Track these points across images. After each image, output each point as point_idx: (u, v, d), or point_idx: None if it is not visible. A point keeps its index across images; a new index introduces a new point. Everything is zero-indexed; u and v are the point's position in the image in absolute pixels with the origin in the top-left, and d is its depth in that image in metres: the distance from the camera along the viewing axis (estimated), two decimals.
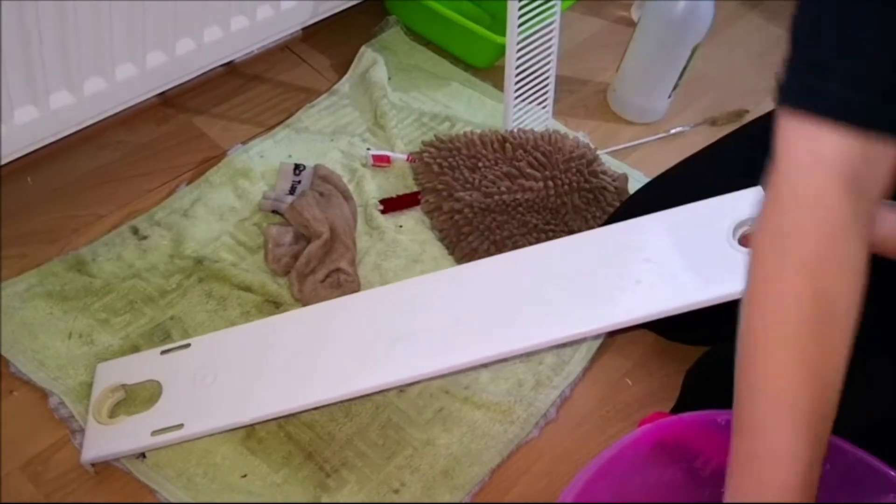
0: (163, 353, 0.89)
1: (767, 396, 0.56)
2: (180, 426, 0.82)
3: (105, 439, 0.83)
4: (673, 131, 1.32)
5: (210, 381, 0.85)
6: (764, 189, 0.73)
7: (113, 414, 0.87)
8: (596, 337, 1.01)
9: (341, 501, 0.84)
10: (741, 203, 0.80)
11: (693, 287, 0.76)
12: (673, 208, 0.83)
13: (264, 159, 1.14)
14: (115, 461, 0.84)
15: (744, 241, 0.79)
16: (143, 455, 0.85)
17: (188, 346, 0.89)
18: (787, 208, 0.57)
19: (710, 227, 0.79)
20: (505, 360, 0.96)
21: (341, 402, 0.89)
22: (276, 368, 0.85)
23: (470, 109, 1.27)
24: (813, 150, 0.55)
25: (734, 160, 0.97)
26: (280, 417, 0.87)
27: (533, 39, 1.15)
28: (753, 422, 0.57)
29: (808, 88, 0.56)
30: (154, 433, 0.82)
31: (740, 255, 0.76)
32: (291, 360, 0.85)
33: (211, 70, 1.20)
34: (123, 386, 0.88)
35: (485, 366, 0.95)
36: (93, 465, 0.83)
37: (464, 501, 0.86)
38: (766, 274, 0.58)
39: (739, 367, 0.58)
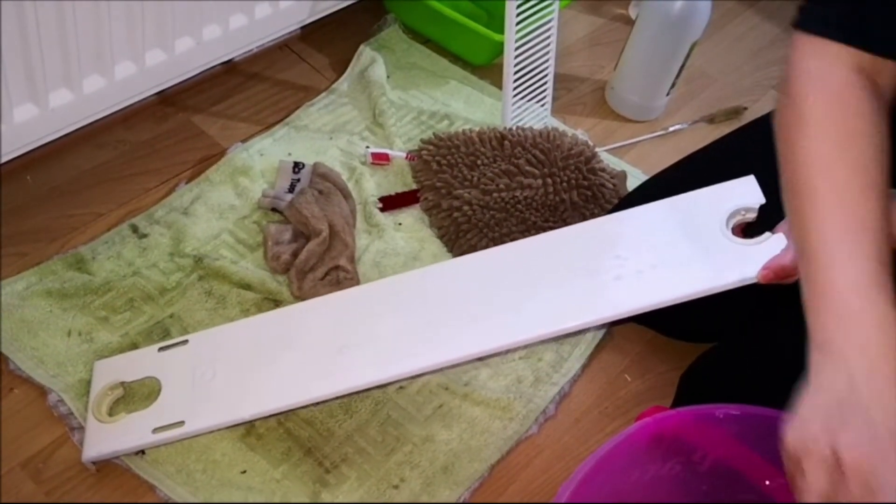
0: (161, 349, 0.90)
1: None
2: (181, 423, 0.83)
3: (106, 438, 0.84)
4: (671, 129, 1.32)
5: (209, 378, 0.85)
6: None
7: (112, 411, 0.87)
8: (587, 330, 1.01)
9: (341, 497, 0.85)
10: (734, 192, 0.79)
11: (687, 278, 0.76)
12: (665, 198, 0.83)
13: (264, 157, 1.14)
14: (115, 458, 0.84)
15: (736, 230, 0.78)
16: (142, 451, 0.85)
17: (186, 342, 0.90)
18: (812, 90, 0.63)
19: (703, 216, 0.79)
20: (498, 354, 0.96)
21: (343, 397, 0.89)
22: (276, 364, 0.85)
23: (468, 107, 1.27)
24: (829, 54, 0.63)
25: (733, 158, 0.98)
26: (281, 413, 0.88)
27: (531, 37, 1.15)
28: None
29: (820, 17, 0.64)
30: (155, 430, 0.83)
31: (733, 246, 0.76)
32: (292, 355, 0.85)
33: (210, 68, 1.20)
34: (122, 383, 0.88)
35: (481, 359, 0.96)
36: (94, 463, 0.83)
37: (463, 497, 0.87)
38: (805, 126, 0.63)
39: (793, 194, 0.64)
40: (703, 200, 0.80)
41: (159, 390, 0.86)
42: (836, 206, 0.60)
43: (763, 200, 0.76)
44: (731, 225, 0.77)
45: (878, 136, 0.62)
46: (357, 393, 0.91)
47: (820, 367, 0.57)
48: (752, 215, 0.77)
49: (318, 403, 0.89)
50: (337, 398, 0.89)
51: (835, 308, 0.58)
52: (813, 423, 0.55)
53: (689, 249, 0.77)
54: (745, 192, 0.78)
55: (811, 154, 0.62)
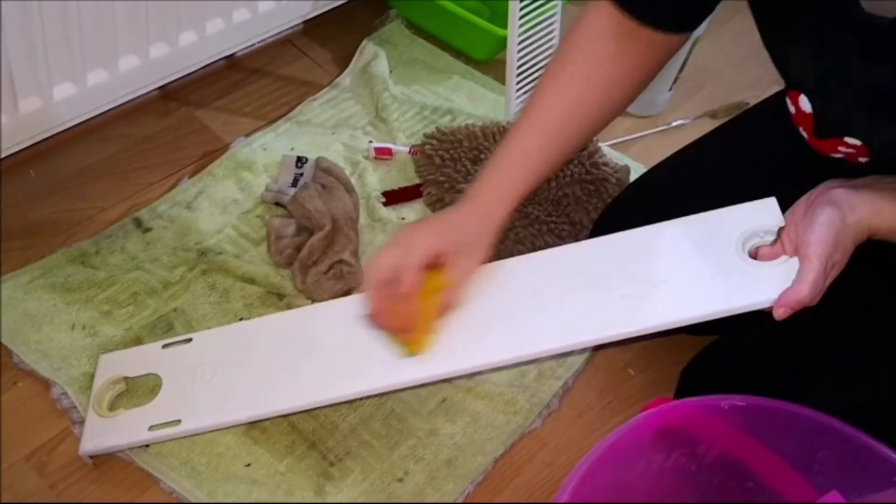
0: (164, 346, 0.89)
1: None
2: (178, 422, 0.82)
3: (103, 432, 0.84)
4: (674, 124, 1.32)
5: (209, 378, 0.85)
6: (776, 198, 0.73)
7: (113, 406, 0.87)
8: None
9: (345, 490, 0.85)
10: (753, 213, 0.76)
11: (698, 300, 0.73)
12: (681, 218, 0.80)
13: (267, 152, 1.14)
14: (119, 451, 0.84)
15: (753, 253, 0.75)
16: (146, 444, 0.85)
17: (189, 340, 0.90)
18: (573, 30, 0.79)
19: (720, 237, 0.76)
20: (503, 368, 0.95)
21: (339, 403, 0.89)
22: (276, 366, 0.84)
23: (471, 102, 1.27)
24: (600, 9, 0.78)
25: (731, 149, 0.98)
26: (278, 417, 0.88)
27: (534, 32, 1.15)
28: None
29: None
30: (151, 428, 0.83)
31: (750, 268, 0.73)
32: (293, 358, 0.85)
33: (212, 63, 1.20)
34: (125, 378, 0.88)
35: (480, 373, 0.95)
36: (91, 457, 0.83)
37: (467, 490, 0.87)
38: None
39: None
40: (721, 220, 0.77)
41: (160, 387, 0.86)
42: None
43: (783, 223, 0.73)
44: (748, 247, 0.75)
45: (596, 79, 0.78)
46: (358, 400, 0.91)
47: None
48: (770, 237, 0.73)
49: (315, 409, 0.89)
50: (336, 404, 0.89)
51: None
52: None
53: (702, 270, 0.75)
54: (764, 214, 0.75)
55: (544, 74, 0.80)
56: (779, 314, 0.69)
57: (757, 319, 0.86)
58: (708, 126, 1.31)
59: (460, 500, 0.86)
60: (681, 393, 0.93)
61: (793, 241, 0.70)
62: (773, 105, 0.90)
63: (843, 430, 0.68)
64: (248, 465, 0.85)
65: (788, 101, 0.81)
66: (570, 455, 0.92)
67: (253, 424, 0.88)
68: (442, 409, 0.92)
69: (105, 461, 0.84)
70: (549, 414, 0.94)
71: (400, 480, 0.86)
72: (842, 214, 0.67)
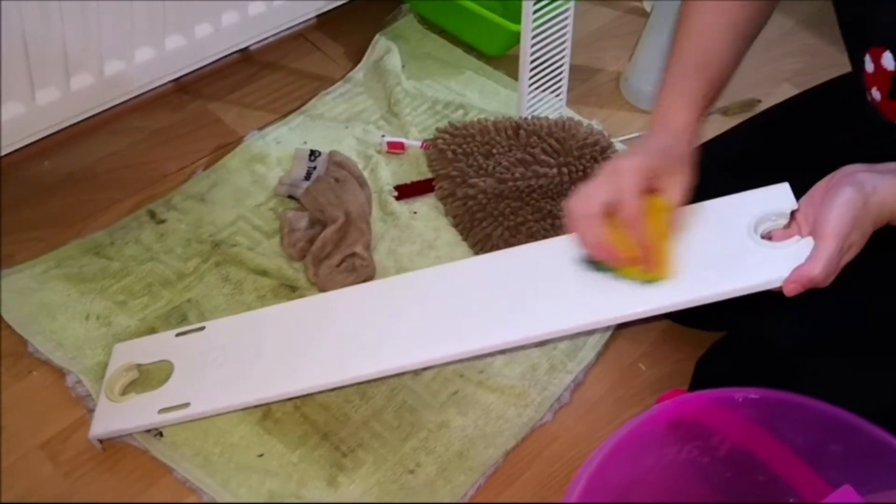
0: (178, 335, 0.90)
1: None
2: (187, 405, 0.83)
3: (113, 416, 0.84)
4: None
5: (220, 363, 0.85)
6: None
7: (125, 392, 0.87)
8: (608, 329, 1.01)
9: (357, 481, 0.85)
10: (765, 197, 0.76)
11: (710, 280, 0.73)
12: (692, 204, 0.79)
13: (280, 145, 1.14)
14: (133, 440, 0.85)
15: (766, 236, 0.74)
16: (160, 433, 0.85)
17: (203, 328, 0.90)
18: None
19: (732, 220, 0.76)
20: (511, 349, 0.95)
21: (348, 385, 0.89)
22: (283, 351, 0.85)
23: (483, 97, 1.27)
24: None
25: (745, 145, 0.98)
26: (290, 399, 0.88)
27: (547, 28, 1.15)
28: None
29: None
30: (161, 411, 0.83)
31: (762, 249, 0.73)
32: (303, 343, 0.85)
33: (226, 57, 1.21)
34: (138, 365, 0.89)
35: (503, 352, 0.96)
36: (101, 441, 0.84)
37: (478, 482, 0.87)
38: None
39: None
40: (733, 205, 0.77)
41: (172, 373, 0.87)
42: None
43: (796, 206, 0.72)
44: (760, 230, 0.74)
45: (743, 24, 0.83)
46: (366, 382, 0.91)
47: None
48: (783, 221, 0.73)
49: (324, 391, 0.89)
50: (344, 387, 0.89)
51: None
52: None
53: (713, 251, 0.75)
54: (777, 198, 0.75)
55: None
56: (788, 289, 0.68)
57: (770, 313, 0.86)
58: (719, 122, 1.32)
59: (471, 492, 0.86)
60: (695, 385, 0.93)
61: (809, 222, 0.69)
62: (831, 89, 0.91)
63: (856, 424, 0.68)
64: (261, 455, 0.86)
65: (868, 59, 0.78)
66: (580, 449, 0.92)
67: (266, 415, 0.88)
68: (453, 402, 0.92)
69: (119, 450, 0.85)
70: (560, 408, 0.95)
71: (411, 472, 0.86)
72: (863, 195, 0.66)
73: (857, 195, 0.66)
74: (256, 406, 0.87)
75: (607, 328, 1.02)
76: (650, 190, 0.72)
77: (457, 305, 0.82)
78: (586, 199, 0.72)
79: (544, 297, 0.79)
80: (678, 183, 0.73)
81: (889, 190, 0.67)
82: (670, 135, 0.76)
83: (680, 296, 0.73)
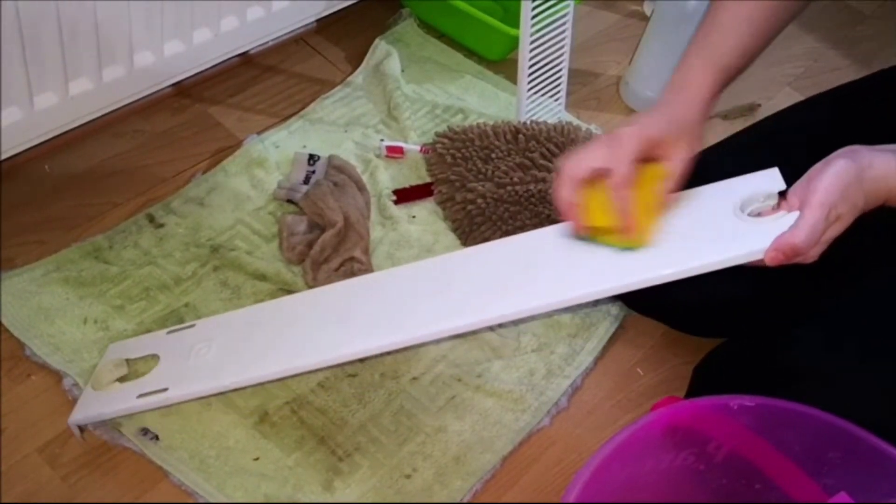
0: (168, 332, 0.91)
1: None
2: (165, 390, 0.83)
3: (93, 403, 0.85)
4: None
5: (204, 353, 0.86)
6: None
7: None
8: (601, 323, 1.01)
9: (353, 485, 0.85)
10: (755, 180, 0.76)
11: (693, 251, 0.72)
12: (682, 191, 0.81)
13: (279, 149, 1.15)
14: (129, 443, 0.85)
15: (754, 215, 0.74)
16: (156, 437, 0.85)
17: (193, 326, 0.91)
18: None
19: (719, 200, 0.76)
20: (506, 323, 0.98)
21: (330, 367, 0.90)
22: (267, 340, 0.85)
23: (483, 102, 1.27)
24: None
25: (748, 152, 0.98)
26: (259, 384, 0.88)
27: (546, 32, 1.16)
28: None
29: None
30: (140, 396, 0.83)
31: (747, 224, 0.72)
32: (285, 332, 0.85)
33: (226, 60, 1.21)
34: (126, 360, 0.89)
35: (491, 329, 0.97)
36: (81, 429, 0.84)
37: (475, 488, 0.87)
38: None
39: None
40: (722, 188, 0.78)
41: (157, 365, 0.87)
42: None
43: (784, 186, 0.71)
44: (748, 210, 0.74)
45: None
46: (341, 365, 0.92)
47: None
48: (771, 201, 0.72)
49: (301, 374, 0.90)
50: (324, 368, 0.90)
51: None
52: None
53: (697, 227, 0.74)
54: (765, 181, 0.75)
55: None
56: (769, 257, 0.66)
57: (767, 319, 0.86)
58: (719, 127, 1.32)
59: (468, 498, 0.86)
60: (692, 391, 0.93)
61: (800, 198, 0.68)
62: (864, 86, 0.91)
63: (852, 431, 0.68)
64: (257, 459, 0.86)
65: None
66: (578, 454, 0.92)
67: (262, 419, 0.88)
68: (451, 407, 0.92)
69: (116, 454, 0.85)
70: (557, 412, 0.95)
71: (408, 477, 0.86)
72: (857, 168, 0.65)
73: (850, 167, 0.65)
74: (234, 390, 0.87)
75: (606, 330, 1.02)
76: (650, 158, 0.72)
77: (446, 289, 0.82)
78: (577, 162, 0.72)
79: (537, 273, 0.79)
80: (680, 151, 0.73)
81: (886, 165, 0.65)
82: (682, 103, 0.75)
83: (662, 268, 0.72)
